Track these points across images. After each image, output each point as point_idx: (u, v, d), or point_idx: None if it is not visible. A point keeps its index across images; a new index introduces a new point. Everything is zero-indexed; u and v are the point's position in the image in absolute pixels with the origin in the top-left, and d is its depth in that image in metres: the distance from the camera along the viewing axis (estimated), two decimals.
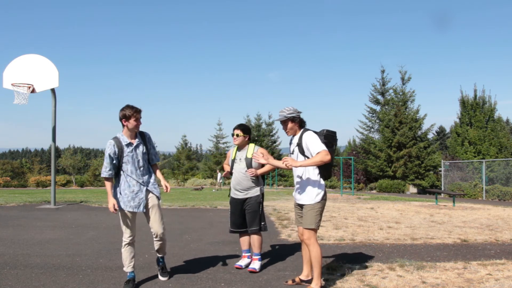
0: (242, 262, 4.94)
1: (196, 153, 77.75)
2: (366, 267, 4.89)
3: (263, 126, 44.09)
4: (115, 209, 4.12)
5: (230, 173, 5.01)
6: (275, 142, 44.01)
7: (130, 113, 4.11)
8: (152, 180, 4.36)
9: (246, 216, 4.91)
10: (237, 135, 4.88)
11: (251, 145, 4.96)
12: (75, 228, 7.74)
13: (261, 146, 39.64)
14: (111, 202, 4.12)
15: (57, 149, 14.34)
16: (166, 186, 4.35)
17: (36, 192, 23.08)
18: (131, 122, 4.14)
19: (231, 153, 5.08)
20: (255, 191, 4.87)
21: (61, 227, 7.84)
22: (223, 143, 47.71)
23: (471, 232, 7.61)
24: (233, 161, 4.99)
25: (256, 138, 42.46)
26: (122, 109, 4.16)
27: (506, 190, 19.56)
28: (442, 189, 24.49)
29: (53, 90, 11.54)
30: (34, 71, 11.07)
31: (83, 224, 8.33)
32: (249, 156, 4.85)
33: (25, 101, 10.95)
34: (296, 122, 4.14)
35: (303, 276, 4.33)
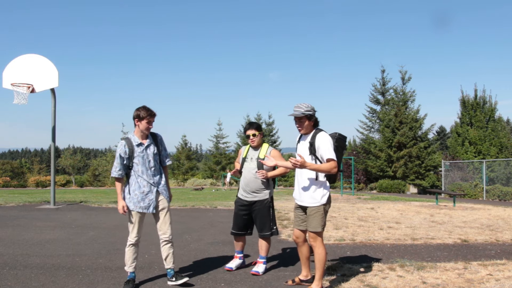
0: (233, 263, 4.83)
1: (196, 153, 77.70)
2: (366, 267, 4.87)
3: (263, 126, 44.06)
4: (125, 211, 4.13)
5: (240, 171, 4.85)
6: (275, 142, 43.98)
7: (144, 115, 4.16)
8: (163, 181, 4.34)
9: (256, 220, 4.75)
10: (254, 135, 4.72)
11: (265, 145, 4.80)
12: (74, 228, 7.73)
13: None
14: (121, 204, 4.14)
15: (56, 149, 14.33)
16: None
17: (35, 192, 23.06)
18: (143, 124, 4.18)
19: (243, 150, 4.92)
20: (264, 194, 4.71)
21: (60, 227, 7.82)
22: (223, 143, 47.69)
23: (472, 232, 7.60)
24: (244, 159, 4.82)
25: None
26: (138, 109, 4.21)
27: (507, 190, 19.55)
28: (443, 189, 24.47)
29: (52, 90, 11.52)
30: (34, 71, 11.04)
31: (82, 224, 8.32)
32: (262, 156, 4.68)
33: (25, 101, 10.93)
34: (312, 121, 4.04)
35: (302, 276, 4.31)
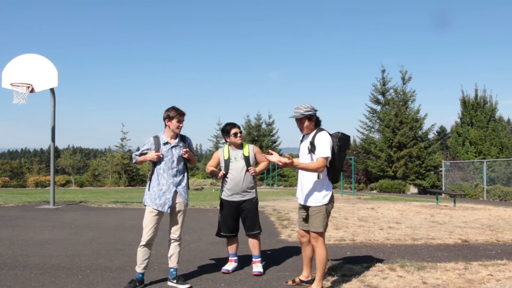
0: (229, 266, 4.80)
1: (196, 153, 77.47)
2: (366, 267, 4.86)
3: (263, 126, 44.03)
4: (158, 155, 4.21)
5: (225, 174, 4.79)
6: (275, 142, 43.95)
7: (174, 115, 4.29)
8: (183, 183, 4.39)
9: (245, 220, 4.78)
10: (241, 132, 4.78)
11: (245, 143, 4.86)
12: (74, 229, 7.71)
13: (261, 146, 39.56)
14: (152, 154, 4.23)
15: (56, 149, 14.31)
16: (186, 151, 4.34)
17: (35, 192, 23.03)
18: (173, 123, 4.30)
19: (222, 153, 4.86)
20: (253, 193, 4.77)
21: (60, 228, 7.81)
22: (223, 143, 47.63)
23: (472, 232, 7.58)
24: (227, 161, 4.77)
25: (256, 138, 42.43)
26: (167, 110, 4.34)
27: (507, 190, 19.51)
28: (443, 189, 24.44)
29: (52, 90, 11.51)
30: (33, 70, 11.03)
31: (82, 224, 8.30)
32: (246, 154, 4.74)
33: (24, 100, 10.91)
34: (313, 121, 4.03)
35: (303, 277, 4.30)
